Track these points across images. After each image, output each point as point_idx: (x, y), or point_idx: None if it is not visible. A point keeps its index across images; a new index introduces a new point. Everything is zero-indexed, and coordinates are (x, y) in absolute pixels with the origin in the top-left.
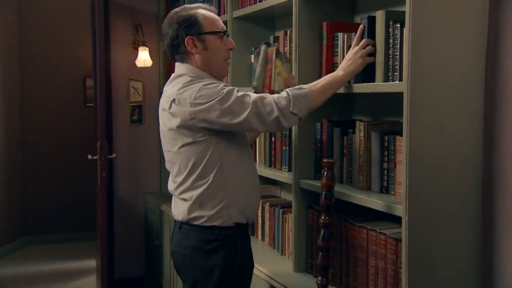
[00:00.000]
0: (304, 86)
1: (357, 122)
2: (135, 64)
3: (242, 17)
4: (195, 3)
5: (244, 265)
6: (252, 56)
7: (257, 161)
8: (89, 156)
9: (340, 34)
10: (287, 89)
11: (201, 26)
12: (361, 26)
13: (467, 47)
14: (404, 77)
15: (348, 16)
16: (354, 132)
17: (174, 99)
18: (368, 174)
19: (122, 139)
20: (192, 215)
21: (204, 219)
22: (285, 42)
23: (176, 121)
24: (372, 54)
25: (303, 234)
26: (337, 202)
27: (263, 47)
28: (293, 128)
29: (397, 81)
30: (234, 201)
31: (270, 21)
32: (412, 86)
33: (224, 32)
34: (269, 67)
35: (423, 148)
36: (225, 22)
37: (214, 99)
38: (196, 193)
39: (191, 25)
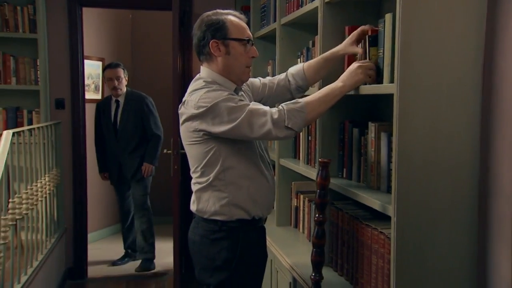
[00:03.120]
0: (300, 100)
1: (369, 123)
2: None
3: (288, 24)
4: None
5: (246, 257)
6: (299, 60)
7: (300, 158)
8: (165, 150)
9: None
10: (282, 104)
11: (227, 32)
12: (362, 27)
13: (462, 48)
14: (394, 78)
15: (374, 20)
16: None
17: (184, 101)
18: (378, 174)
19: None
20: (197, 208)
21: (208, 214)
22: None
23: (182, 121)
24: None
25: (326, 229)
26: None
27: None
28: (318, 128)
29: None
30: (236, 201)
31: (312, 26)
32: (402, 87)
33: (248, 41)
34: None
35: (414, 149)
36: (274, 30)
37: (212, 104)
38: (199, 188)
39: (218, 29)
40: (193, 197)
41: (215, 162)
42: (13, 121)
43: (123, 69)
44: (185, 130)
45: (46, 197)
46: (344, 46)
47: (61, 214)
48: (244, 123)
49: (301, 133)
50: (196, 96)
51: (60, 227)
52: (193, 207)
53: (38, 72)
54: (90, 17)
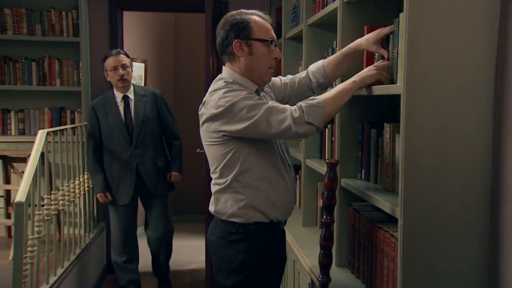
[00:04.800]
0: (316, 97)
1: (385, 124)
2: None
3: (314, 24)
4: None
5: (262, 260)
6: None
7: (326, 159)
8: (198, 150)
9: None
10: (300, 102)
11: (251, 32)
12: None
13: (473, 47)
14: (402, 79)
15: (394, 19)
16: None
17: (204, 101)
18: (393, 175)
19: None
20: (215, 209)
21: (225, 215)
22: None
23: (202, 121)
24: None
25: (344, 231)
26: None
27: None
28: (337, 128)
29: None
30: (255, 204)
31: (336, 26)
32: (409, 88)
33: (272, 41)
34: None
35: (421, 151)
36: (301, 31)
37: (231, 103)
38: (218, 189)
39: (242, 29)
40: (212, 198)
41: (234, 163)
42: (57, 121)
43: (128, 56)
44: (205, 131)
45: (84, 193)
46: (367, 42)
47: (101, 210)
48: (263, 120)
49: (326, 134)
50: (216, 96)
51: (99, 223)
52: (211, 208)
53: (80, 74)
54: (134, 20)
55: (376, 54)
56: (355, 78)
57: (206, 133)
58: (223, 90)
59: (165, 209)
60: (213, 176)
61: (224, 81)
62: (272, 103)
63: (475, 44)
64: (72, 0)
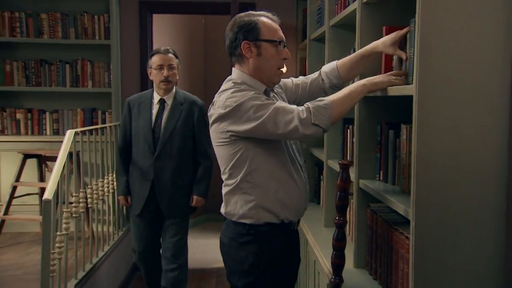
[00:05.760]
0: (324, 98)
1: (401, 125)
2: None
3: (336, 25)
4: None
5: (274, 262)
6: None
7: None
8: None
9: None
10: (308, 102)
11: (259, 33)
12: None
13: (486, 46)
14: (414, 80)
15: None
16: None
17: (213, 101)
18: (409, 176)
19: None
20: (226, 210)
21: (236, 217)
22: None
23: (211, 122)
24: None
25: (362, 232)
26: None
27: None
28: (356, 129)
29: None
30: (264, 204)
31: None
32: (421, 88)
33: (280, 42)
34: None
35: (434, 152)
36: (324, 32)
37: (238, 103)
38: (227, 190)
39: (250, 30)
40: (223, 200)
41: (242, 163)
42: (89, 121)
43: (177, 57)
44: (214, 131)
45: (113, 192)
46: (383, 44)
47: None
48: (270, 120)
49: (348, 135)
50: (223, 96)
51: (129, 221)
52: (222, 209)
53: (111, 75)
54: (165, 22)
55: (394, 56)
56: (365, 81)
57: (215, 134)
58: (231, 90)
59: (180, 236)
60: (223, 177)
61: (232, 82)
62: (280, 103)
63: (489, 43)
64: (104, 4)
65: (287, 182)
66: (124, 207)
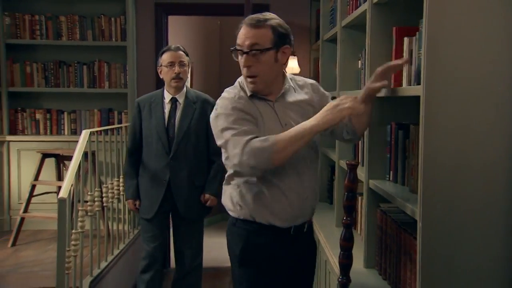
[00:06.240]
0: (271, 137)
1: (410, 126)
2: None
3: (348, 26)
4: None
5: (250, 258)
6: (359, 62)
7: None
8: None
9: (406, 39)
10: (256, 140)
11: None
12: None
13: (494, 47)
14: (421, 80)
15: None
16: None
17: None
18: (418, 177)
19: None
20: (222, 200)
21: (227, 208)
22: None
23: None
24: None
25: (372, 232)
26: None
27: None
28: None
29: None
30: (243, 202)
31: None
32: (428, 88)
33: (232, 50)
34: None
35: (441, 152)
36: (335, 34)
37: (216, 114)
38: (224, 182)
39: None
40: None
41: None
42: (105, 121)
43: (187, 55)
44: None
45: None
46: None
47: None
48: (225, 147)
49: None
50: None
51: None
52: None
53: (127, 76)
54: (181, 24)
55: (405, 52)
56: (314, 120)
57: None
58: (224, 93)
59: (197, 237)
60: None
61: (237, 80)
62: (237, 133)
63: (496, 43)
64: (120, 7)
65: (271, 188)
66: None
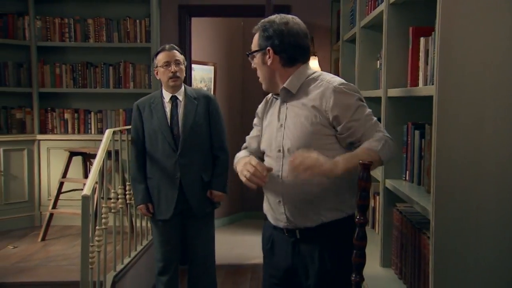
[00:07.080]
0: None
1: (426, 125)
2: None
3: (366, 26)
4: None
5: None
6: (378, 62)
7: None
8: None
9: (422, 39)
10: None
11: None
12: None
13: (507, 47)
14: (434, 80)
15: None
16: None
17: None
18: (431, 176)
19: None
20: None
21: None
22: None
23: None
24: None
25: (389, 231)
26: None
27: None
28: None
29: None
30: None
31: None
32: (441, 88)
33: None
34: None
35: (455, 152)
36: (355, 34)
37: None
38: None
39: None
40: None
41: None
42: (130, 120)
43: (181, 53)
44: None
45: None
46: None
47: None
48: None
49: None
50: None
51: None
52: None
53: (151, 77)
54: (205, 25)
55: (421, 51)
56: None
57: None
58: None
59: (210, 232)
60: None
61: None
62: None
63: (508, 43)
64: (145, 9)
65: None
66: None
